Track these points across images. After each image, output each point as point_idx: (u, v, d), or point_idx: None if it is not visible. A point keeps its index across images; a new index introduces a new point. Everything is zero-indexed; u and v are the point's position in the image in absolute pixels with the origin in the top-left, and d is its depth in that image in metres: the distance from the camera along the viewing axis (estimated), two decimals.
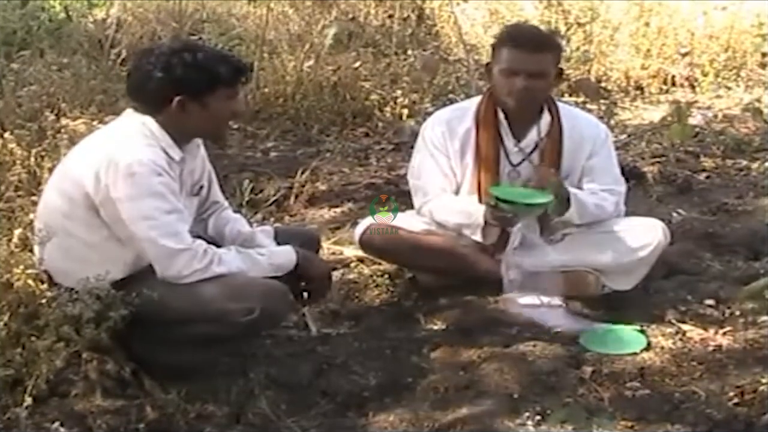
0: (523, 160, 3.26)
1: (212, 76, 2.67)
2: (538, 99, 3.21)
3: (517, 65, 3.12)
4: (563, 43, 3.48)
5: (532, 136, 3.24)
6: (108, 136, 2.76)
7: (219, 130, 2.83)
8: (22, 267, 2.68)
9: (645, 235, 3.22)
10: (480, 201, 3.23)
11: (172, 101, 2.65)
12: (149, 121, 2.68)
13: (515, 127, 3.24)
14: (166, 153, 2.66)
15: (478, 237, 3.20)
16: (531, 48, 3.13)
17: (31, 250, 2.81)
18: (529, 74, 3.10)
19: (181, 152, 2.72)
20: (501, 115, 3.23)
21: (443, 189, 3.29)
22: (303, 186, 4.39)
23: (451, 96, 5.85)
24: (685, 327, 3.04)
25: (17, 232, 2.86)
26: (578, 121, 3.32)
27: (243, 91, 2.86)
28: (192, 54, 2.68)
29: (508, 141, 3.25)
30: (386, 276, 3.47)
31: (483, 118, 3.25)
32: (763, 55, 6.93)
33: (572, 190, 3.17)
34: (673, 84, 6.76)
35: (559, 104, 3.35)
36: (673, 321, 3.08)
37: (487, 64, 3.28)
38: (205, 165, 2.93)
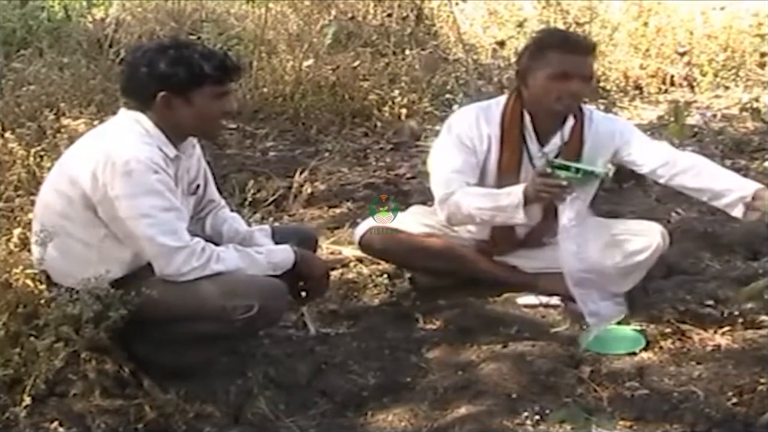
0: None
1: (195, 72, 2.66)
2: (581, 102, 3.20)
3: (573, 69, 3.06)
4: None
5: (555, 140, 3.20)
6: (103, 134, 2.76)
7: (210, 128, 2.81)
8: (21, 267, 2.69)
9: (643, 239, 3.21)
10: None
11: (156, 97, 2.65)
12: (143, 119, 2.68)
13: (541, 132, 3.19)
14: (162, 151, 2.66)
15: (518, 217, 3.05)
16: (584, 51, 3.10)
17: (30, 250, 2.81)
18: (582, 78, 3.07)
19: (176, 150, 2.72)
20: (528, 119, 3.18)
21: (468, 183, 3.16)
22: (302, 186, 4.39)
23: (449, 96, 5.86)
24: (683, 327, 3.04)
25: (17, 231, 2.86)
26: (599, 124, 3.26)
27: (233, 89, 2.83)
28: (177, 50, 2.68)
29: (533, 145, 3.20)
30: (385, 276, 3.48)
31: (509, 122, 3.19)
32: (762, 54, 6.94)
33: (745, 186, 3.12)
34: (672, 84, 6.77)
35: (590, 110, 3.31)
36: (672, 321, 3.08)
37: (519, 70, 3.19)
38: (200, 164, 2.93)
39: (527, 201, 3.02)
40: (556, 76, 3.05)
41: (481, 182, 3.20)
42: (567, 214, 3.04)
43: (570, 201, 3.02)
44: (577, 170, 3.00)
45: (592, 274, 3.06)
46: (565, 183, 2.98)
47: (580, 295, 3.06)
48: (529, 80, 3.12)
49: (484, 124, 3.21)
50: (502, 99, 3.27)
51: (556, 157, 3.17)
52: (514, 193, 3.04)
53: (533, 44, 3.20)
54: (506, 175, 3.18)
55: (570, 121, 3.19)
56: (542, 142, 3.20)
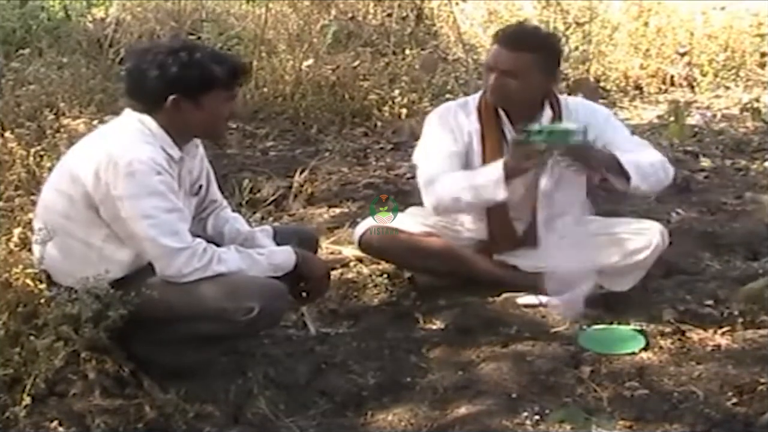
0: None
1: (208, 76, 2.66)
2: (513, 98, 3.14)
3: (492, 61, 3.12)
4: (561, 45, 3.39)
5: None
6: (107, 134, 2.76)
7: (216, 130, 2.83)
8: (21, 266, 2.69)
9: (643, 238, 3.20)
10: None
11: (166, 100, 2.65)
12: (148, 120, 2.68)
13: (516, 123, 3.20)
14: (166, 152, 2.66)
15: (500, 193, 3.04)
16: (507, 45, 3.10)
17: (30, 250, 2.81)
18: (501, 71, 3.09)
19: (180, 152, 2.72)
20: (502, 113, 3.21)
21: (452, 171, 3.18)
22: (302, 185, 4.40)
23: (449, 96, 5.86)
24: (683, 327, 3.04)
25: (17, 231, 2.85)
26: (577, 112, 3.25)
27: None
28: (188, 53, 2.67)
29: (511, 137, 3.22)
30: (385, 276, 3.47)
31: (486, 117, 3.22)
32: (762, 54, 6.95)
33: (617, 154, 3.04)
34: (672, 84, 6.78)
35: (566, 99, 3.31)
36: (672, 321, 3.08)
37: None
38: (203, 164, 2.93)
39: (508, 176, 3.03)
40: (485, 66, 3.18)
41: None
42: (546, 181, 3.08)
43: (550, 166, 3.04)
44: (551, 132, 2.98)
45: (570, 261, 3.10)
46: (543, 147, 2.96)
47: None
48: None
49: (463, 119, 3.25)
50: (473, 98, 3.31)
51: None
52: (494, 168, 3.06)
53: None
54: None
55: (547, 112, 3.20)
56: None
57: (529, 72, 3.08)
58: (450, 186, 3.13)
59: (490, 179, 3.05)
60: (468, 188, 3.10)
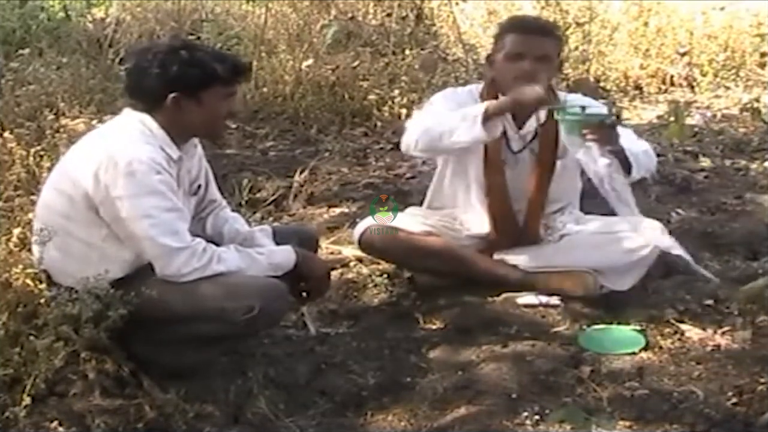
0: (524, 147, 3.29)
1: (208, 73, 2.67)
2: (542, 83, 3.18)
3: (524, 48, 3.15)
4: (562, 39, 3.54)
5: (531, 123, 3.27)
6: (106, 134, 2.76)
7: (216, 129, 2.83)
8: (21, 266, 2.69)
9: (643, 236, 3.22)
10: (485, 193, 3.30)
11: (167, 98, 2.65)
12: (148, 120, 2.68)
13: (517, 116, 3.25)
14: (164, 152, 2.66)
15: (476, 130, 3.02)
16: (536, 32, 3.21)
17: (29, 250, 2.81)
18: (535, 57, 3.14)
19: (179, 151, 2.72)
20: None
21: None
22: (302, 185, 4.40)
23: None
24: (683, 327, 3.04)
25: (16, 231, 2.86)
26: (570, 102, 3.28)
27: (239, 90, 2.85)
28: (189, 52, 2.68)
29: (510, 128, 3.25)
30: (385, 276, 3.47)
31: None
32: (762, 54, 6.95)
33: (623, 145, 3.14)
34: (672, 84, 6.78)
35: (560, 93, 3.34)
36: (672, 321, 3.08)
37: (488, 56, 3.31)
38: (202, 164, 2.93)
39: (489, 113, 3.04)
40: (510, 56, 3.18)
41: (465, 168, 3.31)
42: (597, 165, 3.16)
43: (583, 149, 3.13)
44: (585, 109, 3.07)
45: None
46: (579, 117, 3.03)
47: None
48: (495, 65, 3.24)
49: (471, 104, 3.25)
50: (476, 87, 3.37)
51: (534, 138, 3.27)
52: (477, 109, 3.07)
53: (497, 30, 3.34)
54: (490, 159, 3.24)
55: None
56: (519, 125, 3.27)
57: (555, 57, 3.24)
58: (426, 120, 3.18)
59: (469, 113, 3.06)
60: (445, 121, 3.11)
